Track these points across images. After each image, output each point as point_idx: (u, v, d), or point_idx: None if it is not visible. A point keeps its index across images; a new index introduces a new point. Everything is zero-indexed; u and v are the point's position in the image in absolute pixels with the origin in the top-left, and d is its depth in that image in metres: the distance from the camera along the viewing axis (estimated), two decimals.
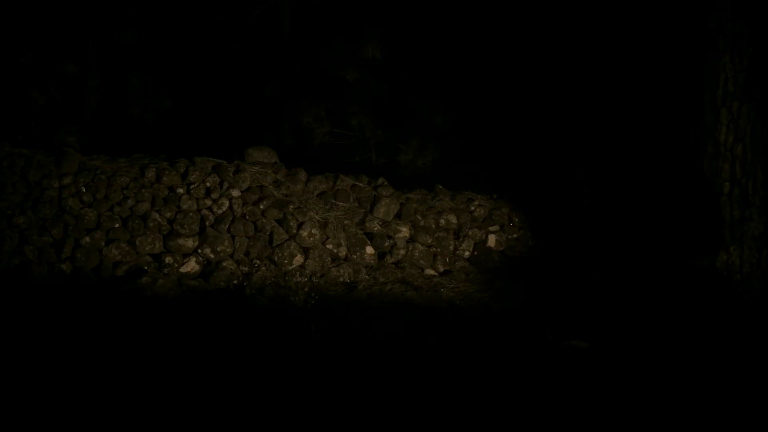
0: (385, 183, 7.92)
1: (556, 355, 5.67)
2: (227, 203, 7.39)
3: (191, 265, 7.22)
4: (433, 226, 7.83)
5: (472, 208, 7.95)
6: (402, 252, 7.70)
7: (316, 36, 9.57)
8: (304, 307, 6.62)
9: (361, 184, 7.88)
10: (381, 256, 7.70)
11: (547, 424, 4.56)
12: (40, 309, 6.21)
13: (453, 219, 7.87)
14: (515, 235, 7.99)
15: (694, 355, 5.70)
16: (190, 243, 7.27)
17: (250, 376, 5.10)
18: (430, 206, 7.88)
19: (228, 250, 7.28)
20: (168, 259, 7.17)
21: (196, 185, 7.38)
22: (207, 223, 7.33)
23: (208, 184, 7.40)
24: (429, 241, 7.78)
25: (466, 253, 7.87)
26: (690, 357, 5.65)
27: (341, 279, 7.38)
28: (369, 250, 7.65)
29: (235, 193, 7.42)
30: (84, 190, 7.18)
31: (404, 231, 7.76)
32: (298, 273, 7.26)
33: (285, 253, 7.33)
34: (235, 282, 7.13)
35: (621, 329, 6.23)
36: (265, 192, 7.50)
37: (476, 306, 6.99)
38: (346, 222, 7.67)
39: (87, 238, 7.12)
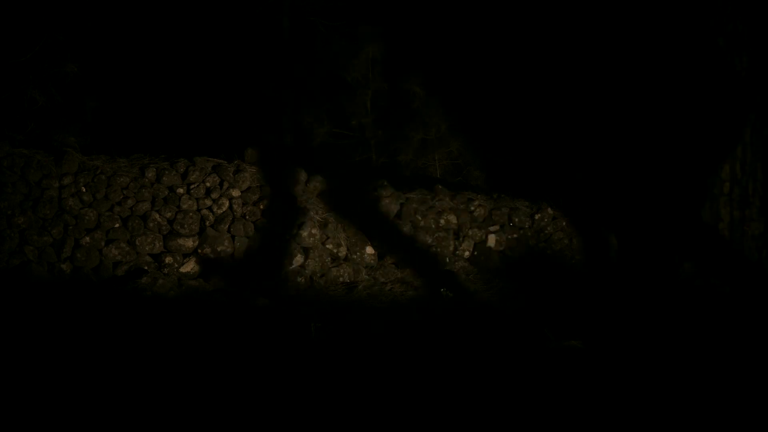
0: (385, 183, 7.92)
1: (556, 354, 5.67)
2: (227, 203, 7.39)
3: (191, 265, 7.22)
4: (433, 226, 7.83)
5: (472, 208, 7.95)
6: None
7: (316, 36, 9.57)
8: (305, 307, 6.62)
9: None
10: (381, 256, 7.70)
11: (547, 421, 4.57)
12: (40, 309, 6.22)
13: (453, 219, 7.87)
14: (515, 235, 7.99)
15: (692, 354, 5.70)
16: (190, 243, 7.27)
17: (251, 375, 5.10)
18: (430, 206, 7.88)
19: (228, 250, 7.29)
20: (168, 259, 7.18)
21: (196, 185, 7.38)
22: (207, 223, 7.33)
23: (208, 184, 7.41)
24: (429, 241, 7.78)
25: (466, 253, 7.87)
26: (688, 357, 5.65)
27: (341, 279, 7.39)
28: (369, 250, 7.66)
29: (235, 193, 7.43)
30: (84, 190, 7.19)
31: (404, 231, 7.76)
32: (298, 273, 7.27)
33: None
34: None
35: (620, 329, 6.22)
36: (265, 192, 7.50)
37: (476, 306, 6.99)
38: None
39: (87, 238, 7.13)
